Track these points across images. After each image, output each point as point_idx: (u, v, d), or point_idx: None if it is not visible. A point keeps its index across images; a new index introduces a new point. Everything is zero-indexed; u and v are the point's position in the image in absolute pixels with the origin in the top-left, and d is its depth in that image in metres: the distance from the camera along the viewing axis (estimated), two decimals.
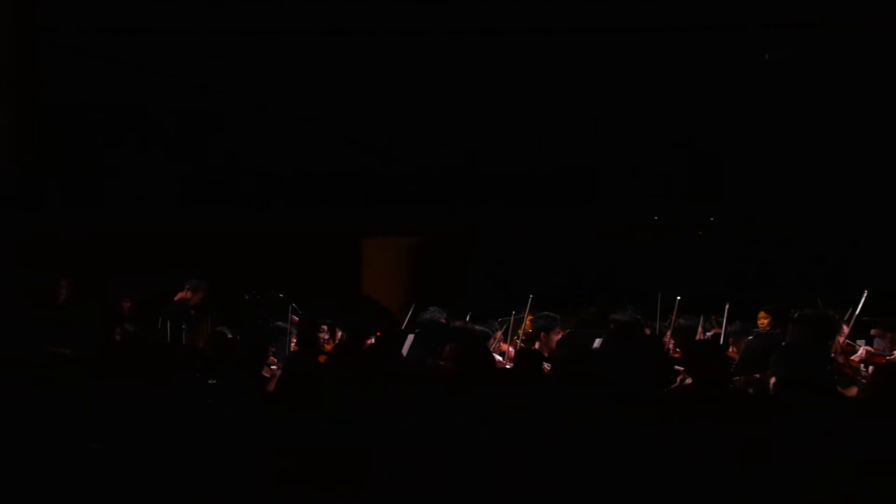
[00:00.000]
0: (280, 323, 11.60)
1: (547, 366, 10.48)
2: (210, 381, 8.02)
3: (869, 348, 11.89)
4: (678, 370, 10.66)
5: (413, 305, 13.26)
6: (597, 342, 10.89)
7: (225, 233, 20.50)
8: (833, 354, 10.48)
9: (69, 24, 18.08)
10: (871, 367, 11.00)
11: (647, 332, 11.97)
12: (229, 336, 10.06)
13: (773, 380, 9.59)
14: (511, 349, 11.64)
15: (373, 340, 9.46)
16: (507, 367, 10.37)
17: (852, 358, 11.49)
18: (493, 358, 9.69)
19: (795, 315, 10.65)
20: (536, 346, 11.86)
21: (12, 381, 7.71)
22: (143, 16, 18.70)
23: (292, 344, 10.86)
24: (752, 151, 22.45)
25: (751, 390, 10.22)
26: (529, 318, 12.76)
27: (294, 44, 20.49)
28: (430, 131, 22.98)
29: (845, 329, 11.55)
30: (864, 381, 10.54)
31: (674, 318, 12.85)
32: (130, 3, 18.62)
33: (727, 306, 12.83)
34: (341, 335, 10.56)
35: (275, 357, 10.63)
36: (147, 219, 21.16)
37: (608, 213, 22.59)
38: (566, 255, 22.56)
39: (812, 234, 21.74)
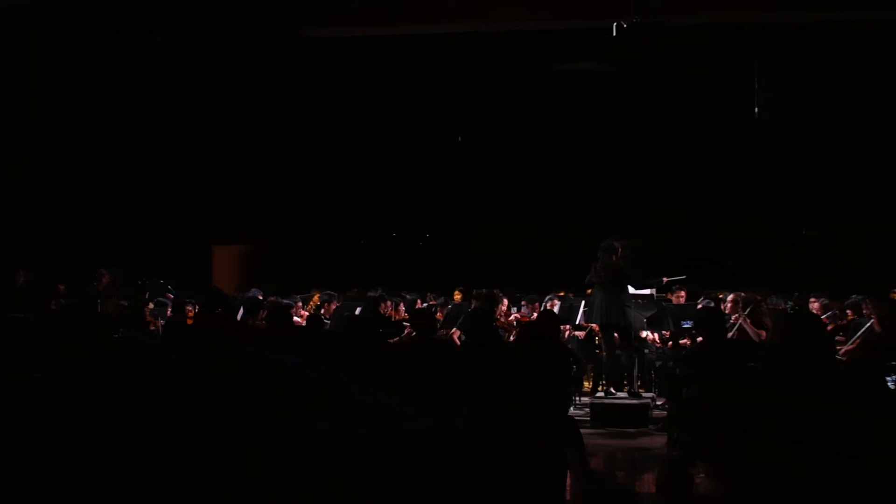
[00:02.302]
0: (161, 298, 11.62)
1: (327, 323, 10.68)
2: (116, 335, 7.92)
3: (517, 315, 12.27)
4: (406, 326, 10.89)
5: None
6: (357, 310, 11.05)
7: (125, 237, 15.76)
8: (497, 316, 10.84)
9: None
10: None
11: (389, 303, 12.09)
12: (127, 306, 10.00)
13: (457, 332, 9.96)
14: (305, 314, 11.69)
15: (220, 310, 9.58)
16: (302, 325, 10.42)
17: (510, 319, 11.89)
18: (293, 320, 9.81)
19: (474, 292, 10.92)
20: (322, 312, 11.96)
21: None
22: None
23: (168, 311, 10.87)
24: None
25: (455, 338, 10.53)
26: (317, 294, 12.84)
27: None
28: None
29: (505, 301, 11.90)
30: (517, 330, 10.93)
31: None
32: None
33: None
34: (198, 307, 10.60)
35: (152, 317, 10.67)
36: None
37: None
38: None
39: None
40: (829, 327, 9.56)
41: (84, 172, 16.41)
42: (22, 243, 13.25)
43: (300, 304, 12.48)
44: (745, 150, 17.28)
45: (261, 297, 11.47)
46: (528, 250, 17.54)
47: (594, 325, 11.48)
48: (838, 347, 8.68)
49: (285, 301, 11.52)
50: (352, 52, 16.00)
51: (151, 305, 11.25)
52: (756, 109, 16.11)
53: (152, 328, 10.18)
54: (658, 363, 11.42)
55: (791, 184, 16.91)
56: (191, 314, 10.31)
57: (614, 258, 11.00)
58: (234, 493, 4.77)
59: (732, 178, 17.71)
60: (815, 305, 11.67)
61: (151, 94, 16.27)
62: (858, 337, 8.65)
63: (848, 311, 10.94)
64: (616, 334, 11.12)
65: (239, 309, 10.34)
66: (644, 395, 11.15)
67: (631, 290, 11.29)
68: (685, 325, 10.62)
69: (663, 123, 17.35)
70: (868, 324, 8.66)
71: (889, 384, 4.79)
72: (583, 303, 11.75)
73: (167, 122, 17.53)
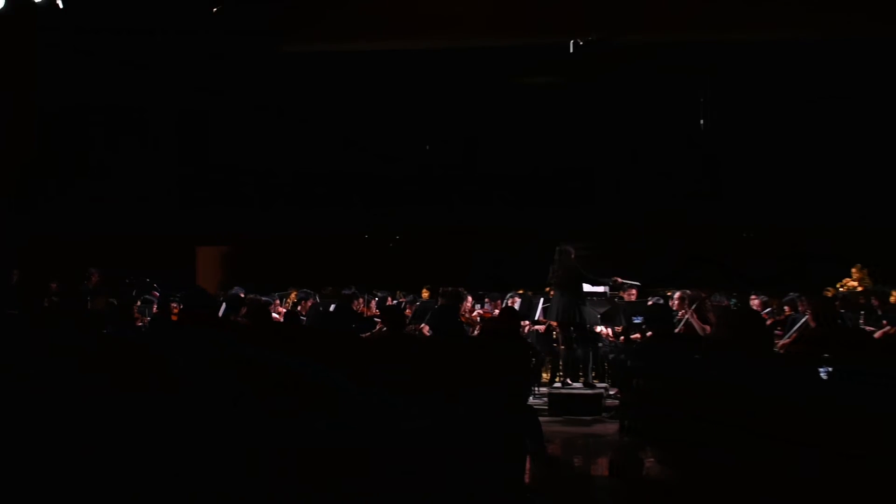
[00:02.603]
0: (147, 296, 11.52)
1: (303, 319, 10.61)
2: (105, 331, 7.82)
3: (480, 311, 12.25)
4: (377, 322, 10.85)
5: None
6: (332, 307, 11.01)
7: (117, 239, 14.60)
8: (462, 312, 10.85)
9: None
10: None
11: (361, 300, 12.08)
12: (116, 303, 9.90)
13: (426, 327, 9.93)
14: (283, 310, 11.63)
15: (203, 308, 9.47)
16: (280, 321, 10.36)
17: (473, 315, 11.88)
18: (271, 315, 9.76)
19: (440, 290, 10.93)
20: (298, 308, 11.90)
21: None
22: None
23: (154, 308, 10.78)
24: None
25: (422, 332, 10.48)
26: (295, 292, 12.77)
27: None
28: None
29: (469, 298, 11.90)
30: (480, 325, 10.91)
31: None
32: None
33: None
34: (182, 304, 10.52)
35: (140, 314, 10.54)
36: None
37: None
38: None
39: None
40: (768, 322, 9.66)
41: (84, 173, 15.54)
42: (21, 244, 12.88)
43: (278, 301, 12.43)
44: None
45: (242, 295, 11.43)
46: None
47: (553, 321, 11.55)
48: (776, 341, 8.75)
49: (264, 298, 11.49)
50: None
51: (139, 303, 11.17)
52: (701, 122, 16.07)
53: (139, 324, 10.11)
54: (611, 356, 11.49)
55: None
56: (175, 311, 10.25)
57: (568, 260, 11.16)
58: (230, 493, 4.40)
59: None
60: (755, 302, 11.76)
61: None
62: (794, 331, 8.71)
63: (785, 308, 11.04)
64: (572, 329, 11.20)
65: (221, 306, 10.29)
66: (598, 385, 11.20)
67: (586, 287, 11.40)
68: (636, 321, 10.69)
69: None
70: (803, 319, 8.74)
71: (821, 375, 4.85)
72: (541, 300, 11.84)
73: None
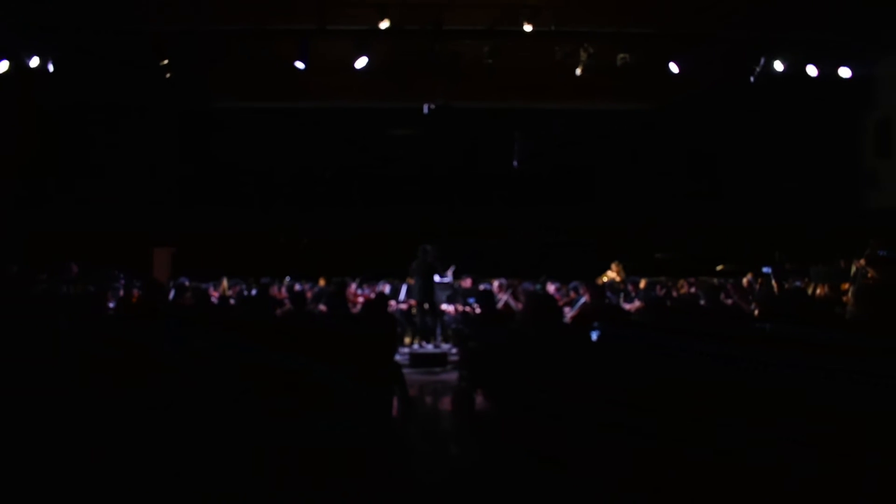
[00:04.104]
0: (115, 284, 11.02)
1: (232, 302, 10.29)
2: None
3: (362, 295, 12.16)
4: (286, 302, 10.60)
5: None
6: (254, 291, 10.73)
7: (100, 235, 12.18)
8: (348, 295, 10.75)
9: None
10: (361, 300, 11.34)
11: (275, 286, 11.82)
12: (92, 290, 9.42)
13: (324, 307, 9.76)
14: (216, 294, 11.26)
15: (157, 293, 9.10)
16: (216, 303, 10.02)
17: (356, 298, 11.79)
18: (210, 299, 9.46)
19: (332, 279, 10.79)
20: (229, 294, 11.57)
21: None
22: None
23: (121, 293, 10.32)
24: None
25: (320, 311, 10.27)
26: (225, 281, 12.41)
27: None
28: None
29: (353, 284, 11.80)
30: (361, 305, 10.81)
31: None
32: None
33: None
34: (141, 292, 10.10)
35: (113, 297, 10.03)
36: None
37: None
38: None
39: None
40: (561, 302, 9.96)
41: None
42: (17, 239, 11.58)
43: (212, 287, 12.05)
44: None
45: (187, 284, 11.05)
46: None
47: (412, 301, 11.61)
48: (566, 315, 9.01)
49: (203, 286, 11.14)
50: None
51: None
52: (515, 163, 16.15)
53: (110, 304, 9.65)
54: (453, 326, 11.63)
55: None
56: (136, 295, 9.83)
57: (427, 257, 11.27)
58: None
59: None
60: (551, 288, 12.06)
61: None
62: (577, 308, 8.98)
63: (571, 292, 11.40)
64: (426, 306, 11.31)
65: (170, 292, 9.94)
66: (444, 346, 11.34)
67: (436, 278, 11.54)
68: (470, 301, 10.86)
69: None
70: (583, 299, 9.04)
71: (593, 337, 5.09)
72: (404, 286, 11.90)
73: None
